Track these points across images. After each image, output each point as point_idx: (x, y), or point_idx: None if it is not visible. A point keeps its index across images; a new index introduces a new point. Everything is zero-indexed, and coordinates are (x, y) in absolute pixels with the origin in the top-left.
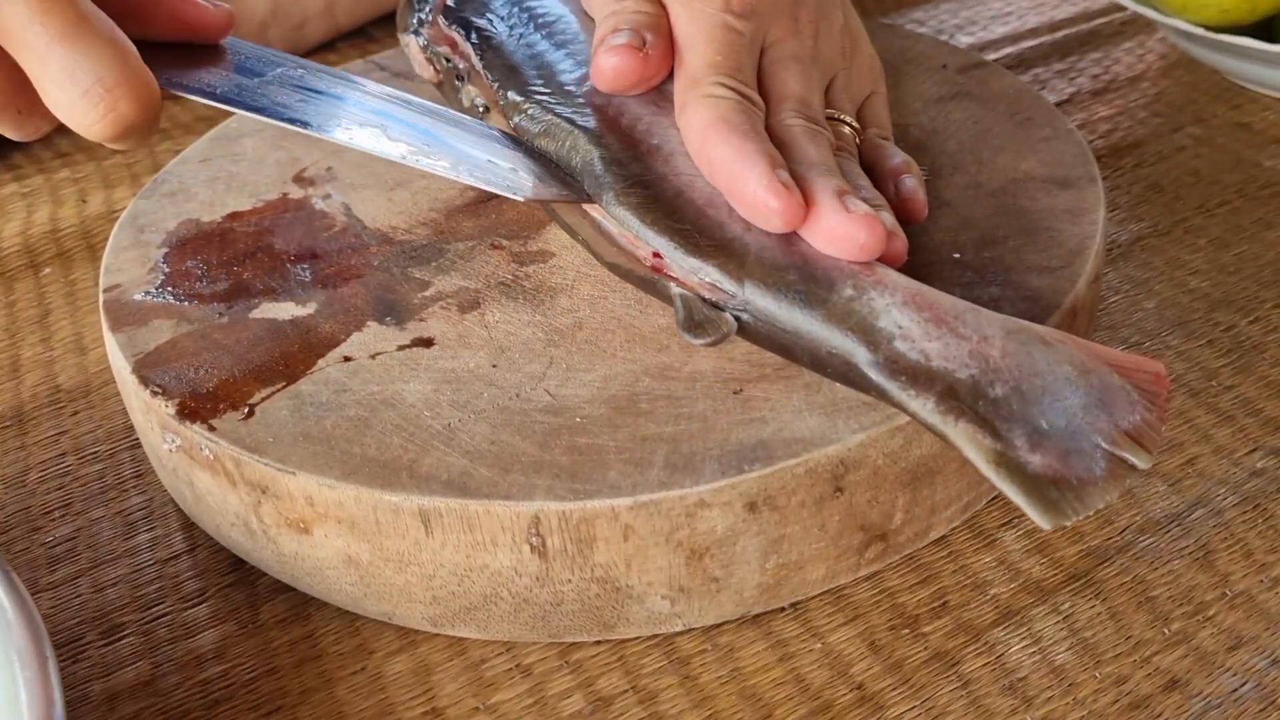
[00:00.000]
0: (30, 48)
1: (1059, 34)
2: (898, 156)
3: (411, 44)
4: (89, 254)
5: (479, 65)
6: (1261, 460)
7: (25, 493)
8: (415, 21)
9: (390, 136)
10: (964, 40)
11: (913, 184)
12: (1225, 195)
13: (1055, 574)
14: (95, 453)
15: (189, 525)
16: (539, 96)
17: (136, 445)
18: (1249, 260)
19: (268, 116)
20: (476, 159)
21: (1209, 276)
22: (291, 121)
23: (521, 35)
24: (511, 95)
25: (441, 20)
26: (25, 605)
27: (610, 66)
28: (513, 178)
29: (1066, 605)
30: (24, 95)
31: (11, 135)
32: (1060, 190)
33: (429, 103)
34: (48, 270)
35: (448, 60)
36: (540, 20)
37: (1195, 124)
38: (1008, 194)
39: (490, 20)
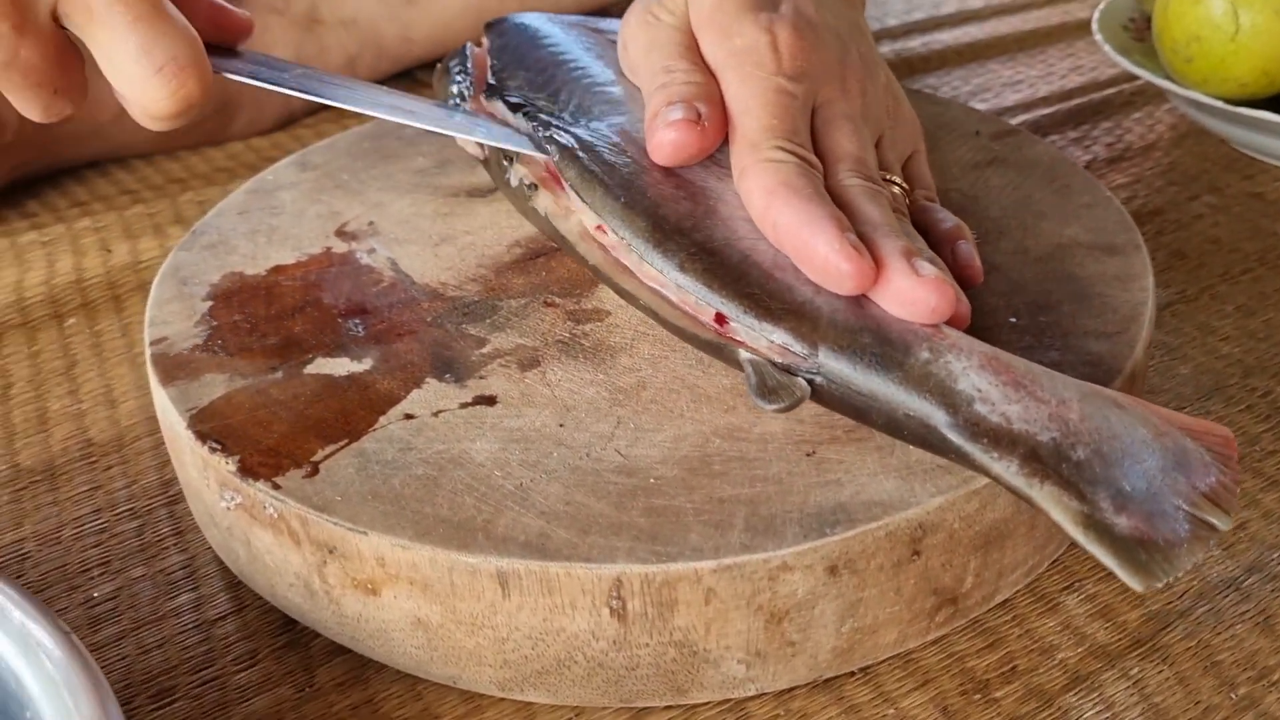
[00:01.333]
0: (110, 26)
1: (1071, 102)
2: (949, 221)
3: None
4: (114, 305)
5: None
6: None
7: (61, 549)
8: (456, 95)
9: (414, 117)
10: (978, 107)
11: (969, 249)
12: (1247, 263)
13: (1120, 639)
14: (132, 509)
15: (234, 585)
16: (590, 170)
17: (174, 501)
18: (1277, 327)
19: (318, 97)
20: (495, 133)
21: (1239, 343)
22: (337, 100)
23: (568, 109)
24: (567, 165)
25: (484, 98)
26: (91, 671)
27: (669, 141)
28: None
29: (1135, 670)
30: (64, 75)
31: (33, 114)
32: (1107, 257)
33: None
34: (72, 321)
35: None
36: (587, 92)
37: (1210, 193)
38: (1055, 260)
39: (535, 96)
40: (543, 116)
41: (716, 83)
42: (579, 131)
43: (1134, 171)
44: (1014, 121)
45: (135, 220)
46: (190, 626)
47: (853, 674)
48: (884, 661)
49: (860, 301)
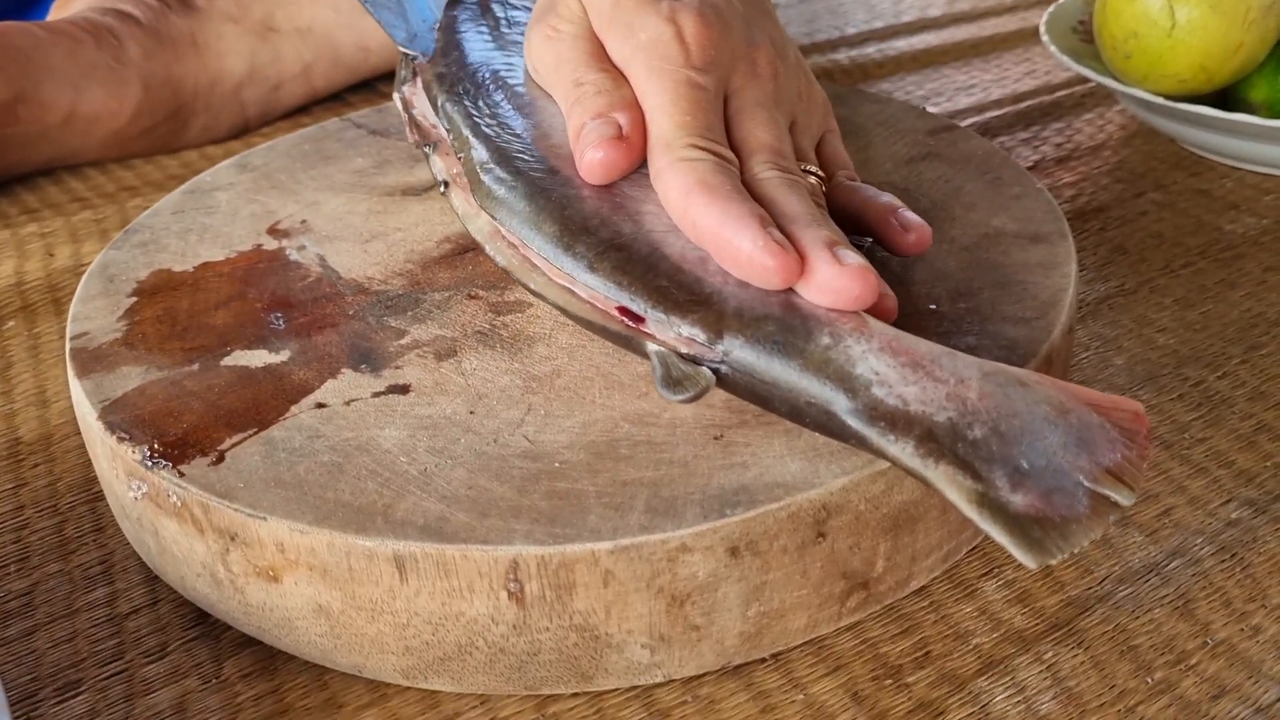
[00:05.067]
0: None
1: (1022, 104)
2: (884, 195)
3: (398, 105)
4: (54, 308)
5: (446, 135)
6: (1236, 511)
7: None
8: (401, 82)
9: None
10: (929, 110)
11: (910, 214)
12: (1189, 257)
13: (1037, 624)
14: (54, 506)
15: (151, 579)
16: (500, 170)
17: (97, 499)
18: (1214, 319)
19: None
20: None
21: (1176, 334)
22: None
23: (486, 107)
24: (474, 168)
25: (418, 85)
26: None
27: (599, 162)
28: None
29: (1049, 654)
30: None
31: None
32: (1032, 245)
33: None
34: (11, 324)
35: (419, 126)
36: (506, 93)
37: (1156, 190)
38: (981, 249)
39: (460, 91)
40: (461, 112)
41: (630, 85)
42: (493, 133)
43: (1081, 170)
44: (964, 124)
45: (81, 225)
46: (102, 620)
47: (764, 660)
48: (796, 648)
49: (765, 291)
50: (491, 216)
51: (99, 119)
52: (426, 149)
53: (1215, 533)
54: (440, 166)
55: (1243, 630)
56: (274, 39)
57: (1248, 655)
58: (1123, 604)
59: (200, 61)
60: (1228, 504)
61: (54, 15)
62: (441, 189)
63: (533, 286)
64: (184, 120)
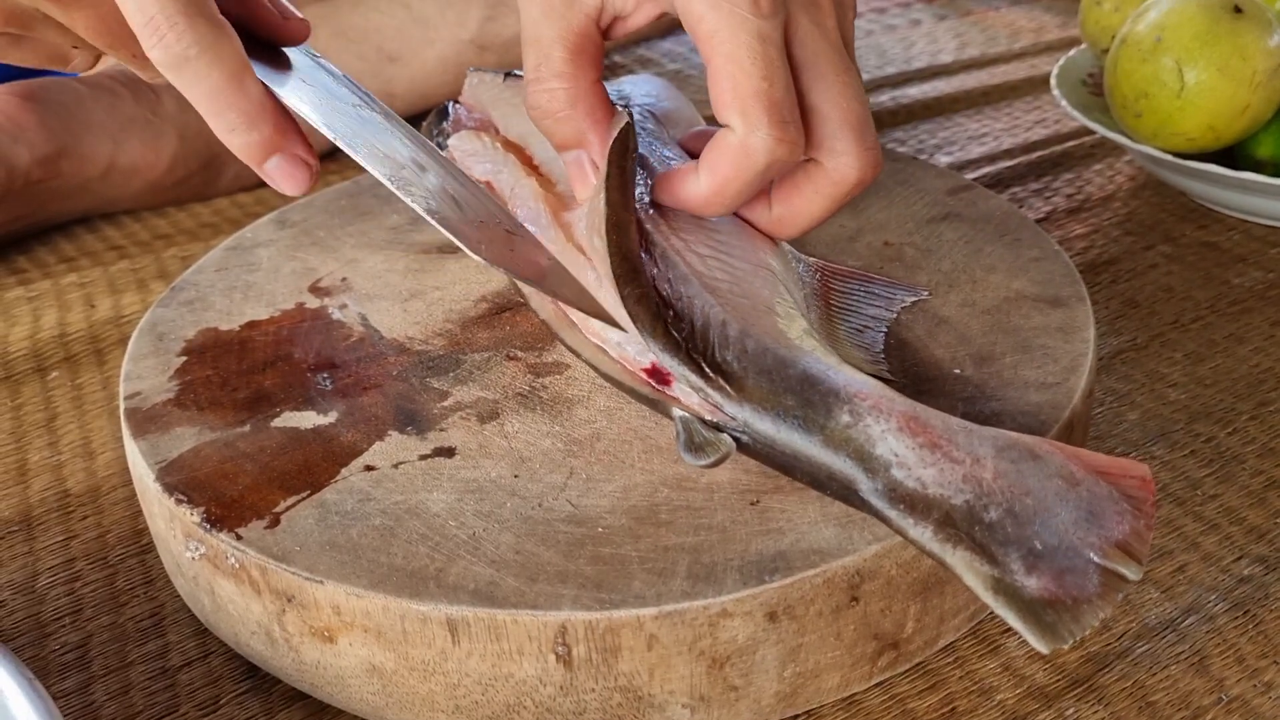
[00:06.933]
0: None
1: (1033, 155)
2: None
3: None
4: (96, 359)
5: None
6: (1248, 567)
7: (34, 599)
8: (438, 134)
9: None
10: (943, 159)
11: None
12: (1198, 311)
13: (1058, 680)
14: (104, 558)
15: (201, 631)
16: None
17: (146, 550)
18: (1224, 374)
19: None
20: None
21: (1187, 389)
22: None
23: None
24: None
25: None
26: (51, 714)
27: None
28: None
29: (1071, 711)
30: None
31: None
32: (1051, 309)
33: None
34: (54, 374)
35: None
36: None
37: (1165, 242)
38: (1001, 312)
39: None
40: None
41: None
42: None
43: (1093, 222)
44: (978, 174)
45: (120, 275)
46: (156, 673)
47: (798, 717)
48: (829, 705)
49: (787, 364)
50: (603, 195)
51: (137, 170)
52: None
53: (1228, 589)
54: None
55: (1255, 686)
56: None
57: (1261, 711)
58: (1141, 660)
59: None
60: (1239, 560)
61: None
62: None
63: (569, 342)
64: (217, 169)
